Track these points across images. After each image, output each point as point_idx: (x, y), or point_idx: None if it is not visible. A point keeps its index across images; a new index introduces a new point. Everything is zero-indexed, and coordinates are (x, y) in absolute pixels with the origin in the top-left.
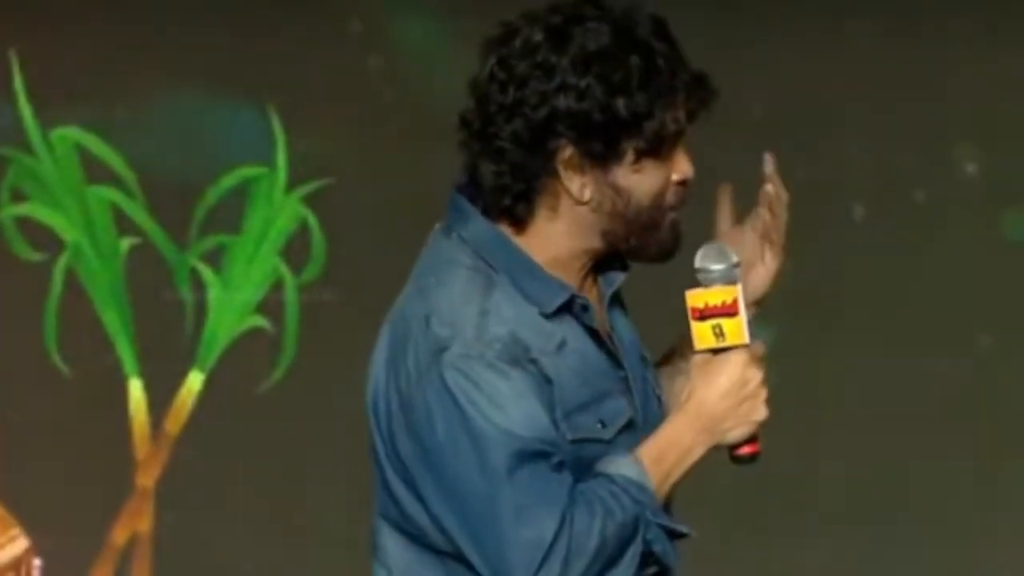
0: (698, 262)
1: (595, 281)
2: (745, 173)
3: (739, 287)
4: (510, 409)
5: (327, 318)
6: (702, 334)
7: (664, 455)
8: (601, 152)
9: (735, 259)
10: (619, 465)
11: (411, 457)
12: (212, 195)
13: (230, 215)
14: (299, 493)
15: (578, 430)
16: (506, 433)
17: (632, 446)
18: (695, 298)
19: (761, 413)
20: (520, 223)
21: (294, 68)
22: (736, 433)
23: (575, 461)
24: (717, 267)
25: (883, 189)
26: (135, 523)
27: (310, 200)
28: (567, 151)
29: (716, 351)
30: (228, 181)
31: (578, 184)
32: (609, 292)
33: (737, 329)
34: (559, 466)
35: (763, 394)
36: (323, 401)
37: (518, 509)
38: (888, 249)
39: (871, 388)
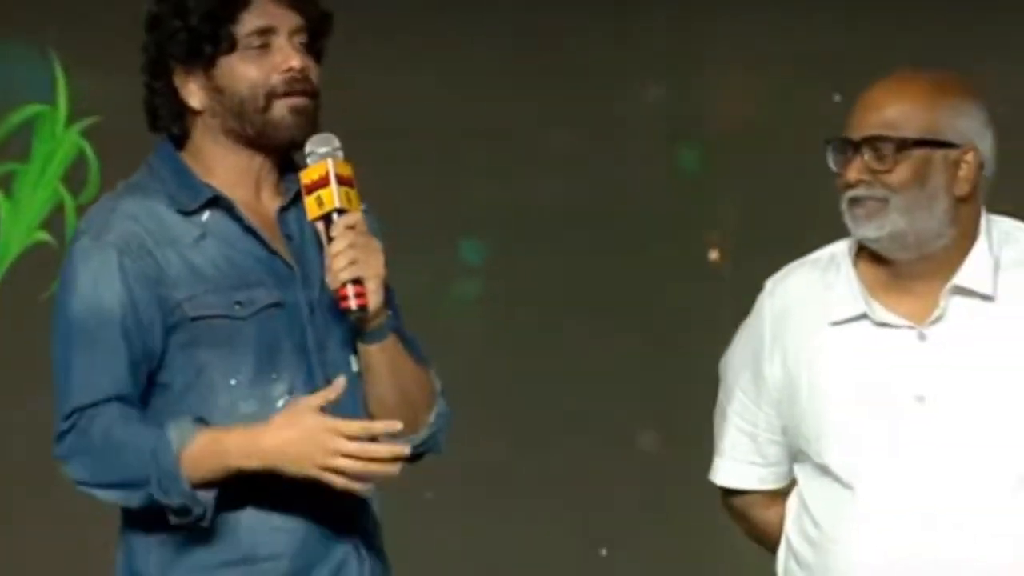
0: (306, 147)
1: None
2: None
3: (330, 162)
4: (95, 287)
5: None
6: (310, 206)
7: (209, 454)
8: (189, 57)
9: (336, 144)
10: (178, 429)
11: None
12: (3, 130)
13: (19, 146)
14: None
15: (204, 308)
16: (88, 310)
17: (283, 325)
18: (303, 176)
19: (320, 460)
20: (179, 141)
21: (75, 13)
22: (291, 470)
23: (209, 336)
24: (321, 149)
25: (568, 122)
26: None
27: (87, 133)
28: (174, 67)
29: (323, 218)
30: (16, 117)
31: (193, 96)
32: (289, 195)
33: (330, 196)
34: (126, 349)
35: (332, 444)
36: None
37: (69, 368)
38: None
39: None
